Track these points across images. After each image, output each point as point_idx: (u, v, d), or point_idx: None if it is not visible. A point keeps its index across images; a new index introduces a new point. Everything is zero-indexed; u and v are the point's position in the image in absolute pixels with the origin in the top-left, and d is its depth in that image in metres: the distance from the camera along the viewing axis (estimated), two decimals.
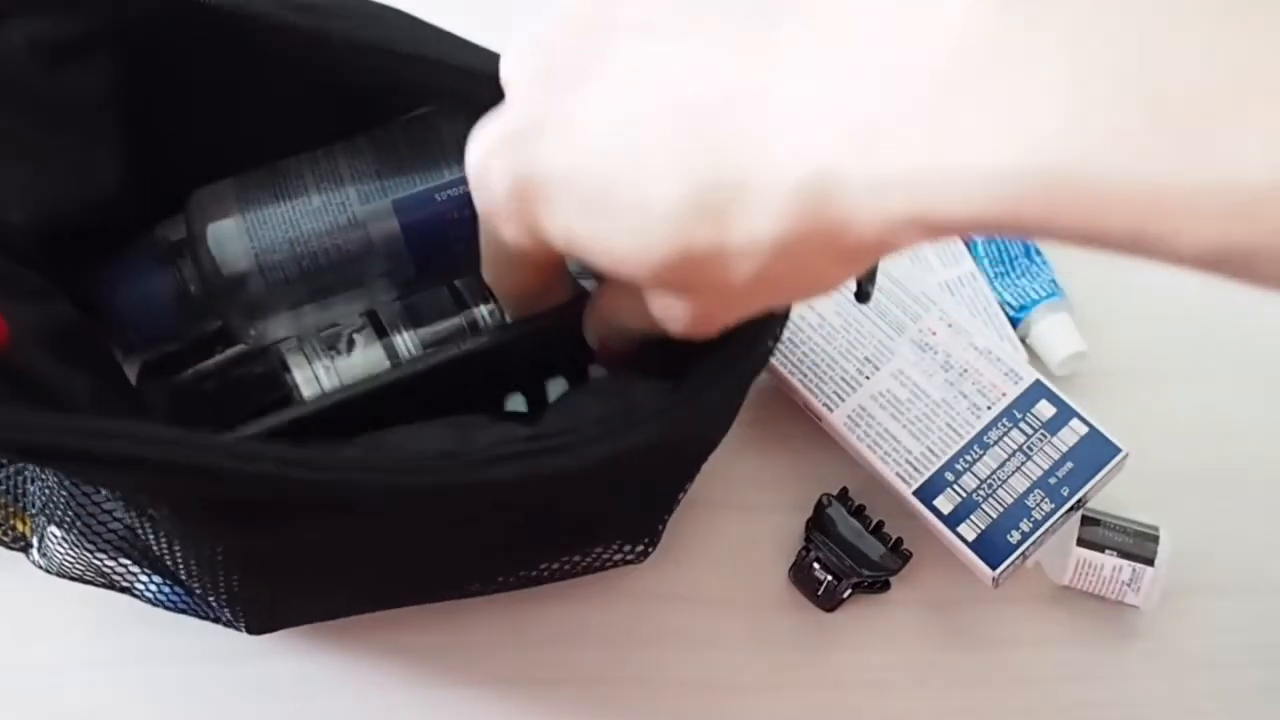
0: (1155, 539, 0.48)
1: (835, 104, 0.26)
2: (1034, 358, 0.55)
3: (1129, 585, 0.48)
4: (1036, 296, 0.55)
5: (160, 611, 0.47)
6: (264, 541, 0.37)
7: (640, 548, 0.48)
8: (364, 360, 0.43)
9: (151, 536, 0.38)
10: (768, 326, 0.36)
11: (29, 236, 0.41)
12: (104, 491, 0.38)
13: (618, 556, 0.48)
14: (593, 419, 0.34)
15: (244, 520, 0.35)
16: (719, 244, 0.28)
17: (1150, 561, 0.48)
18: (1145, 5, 0.23)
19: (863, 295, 0.43)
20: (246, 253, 0.41)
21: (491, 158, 0.30)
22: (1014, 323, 0.56)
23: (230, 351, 0.46)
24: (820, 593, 0.50)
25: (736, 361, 0.36)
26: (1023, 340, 0.55)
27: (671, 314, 0.31)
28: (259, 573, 0.40)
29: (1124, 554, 0.48)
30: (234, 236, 0.41)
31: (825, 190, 0.26)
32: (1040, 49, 0.23)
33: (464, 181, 0.41)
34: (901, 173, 0.25)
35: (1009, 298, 0.56)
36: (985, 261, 0.57)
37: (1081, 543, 0.48)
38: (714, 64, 0.27)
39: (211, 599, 0.42)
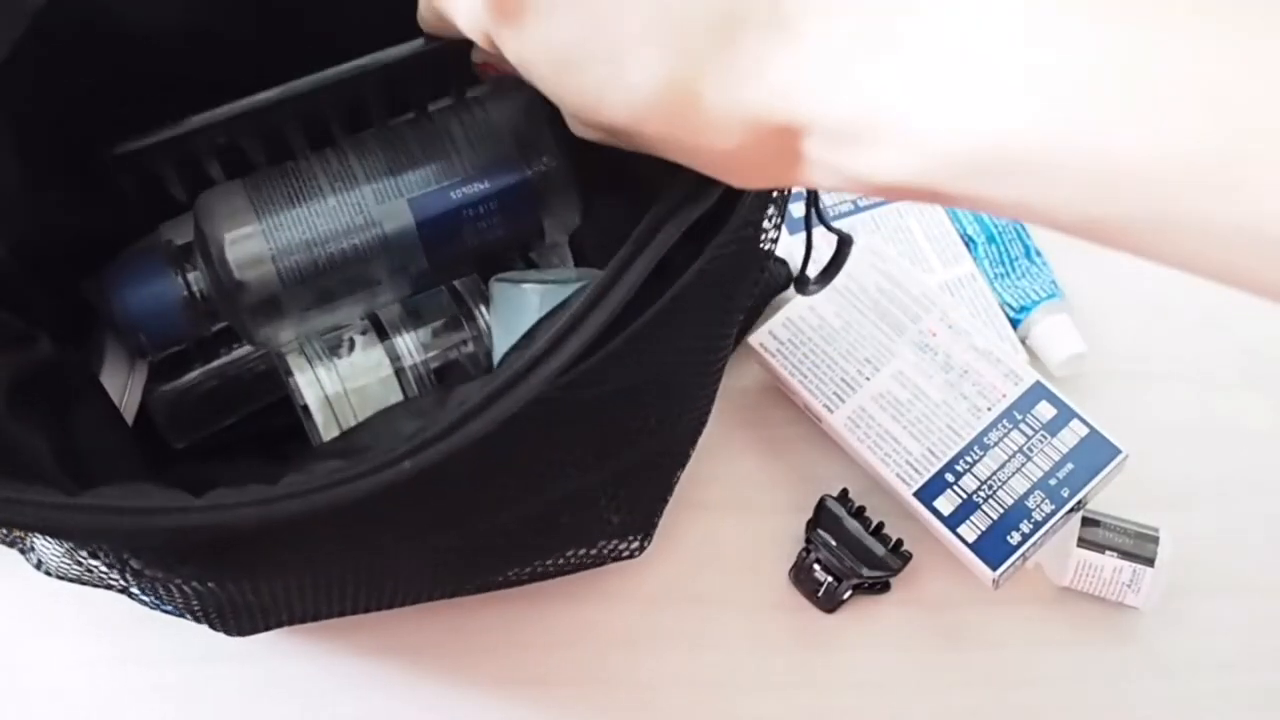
0: (1155, 540, 0.48)
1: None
2: (1034, 359, 0.55)
3: (1129, 586, 0.48)
4: (1036, 297, 0.55)
5: (159, 613, 0.47)
6: (242, 568, 0.37)
7: (637, 542, 0.48)
8: (365, 362, 0.43)
9: (120, 575, 0.38)
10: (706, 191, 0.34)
11: (8, 267, 0.41)
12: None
13: (618, 548, 0.48)
14: (545, 340, 0.33)
15: (225, 558, 0.35)
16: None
17: (1150, 562, 0.48)
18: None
19: (802, 284, 0.41)
20: (264, 255, 0.40)
21: None
22: (1014, 324, 0.56)
23: (233, 354, 0.46)
24: (820, 594, 0.50)
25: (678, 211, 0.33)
26: (1023, 341, 0.55)
27: None
28: (233, 592, 0.40)
29: (1124, 555, 0.48)
30: (251, 240, 0.41)
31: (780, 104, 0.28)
32: (983, 27, 0.25)
33: (478, 179, 0.41)
34: (862, 119, 0.27)
35: (1009, 299, 0.56)
36: (985, 262, 0.57)
37: (1082, 544, 0.48)
38: None
39: (187, 616, 0.42)
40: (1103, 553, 0.48)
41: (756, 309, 0.56)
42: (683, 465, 0.47)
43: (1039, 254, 0.57)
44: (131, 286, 0.43)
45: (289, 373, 0.42)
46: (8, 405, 0.35)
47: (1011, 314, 0.56)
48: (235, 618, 0.44)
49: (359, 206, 0.41)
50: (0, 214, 0.40)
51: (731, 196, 0.33)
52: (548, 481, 0.40)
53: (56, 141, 0.42)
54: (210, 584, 0.37)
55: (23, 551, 0.47)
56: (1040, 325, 0.55)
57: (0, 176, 0.40)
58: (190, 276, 0.43)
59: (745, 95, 0.28)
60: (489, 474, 0.36)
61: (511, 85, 0.40)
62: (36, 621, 0.49)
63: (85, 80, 0.41)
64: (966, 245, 0.57)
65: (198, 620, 0.45)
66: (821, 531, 0.50)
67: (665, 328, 0.34)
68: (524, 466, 0.37)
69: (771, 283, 0.56)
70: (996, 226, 0.58)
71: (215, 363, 0.46)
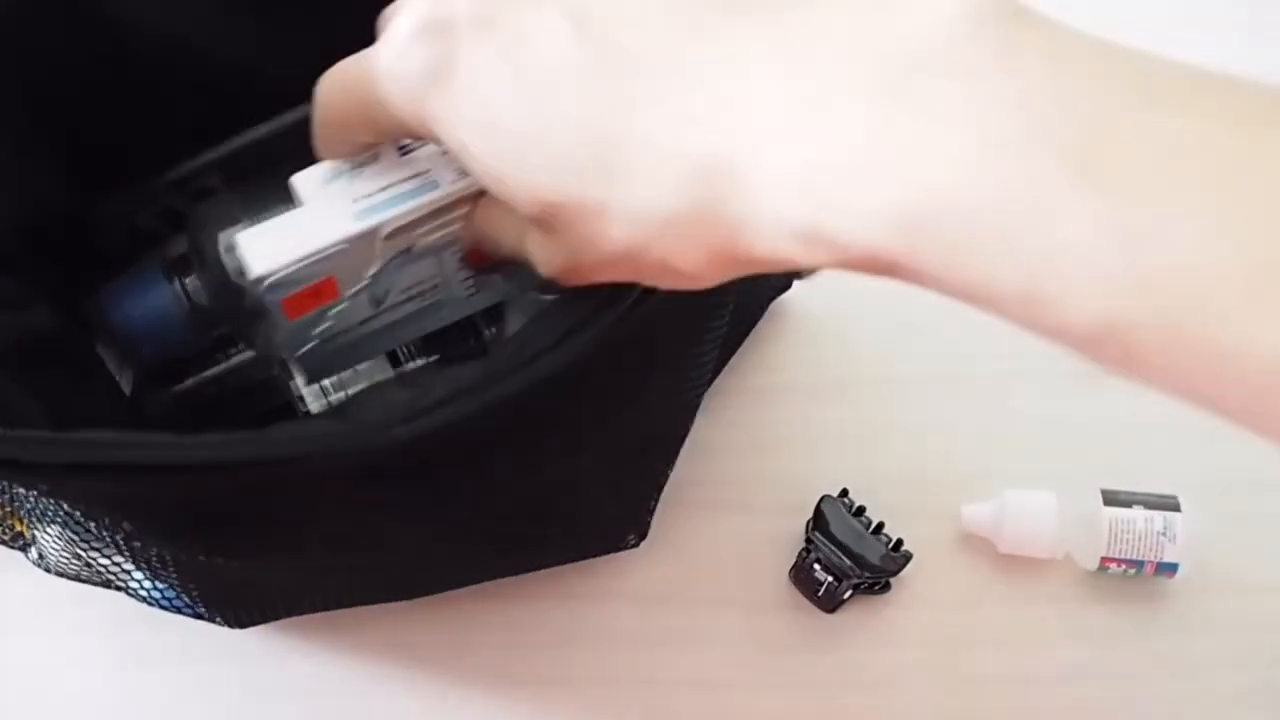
0: (1174, 499, 0.49)
1: (755, 97, 0.25)
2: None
3: (1164, 535, 0.48)
4: None
5: (159, 612, 0.47)
6: (236, 545, 0.37)
7: (630, 537, 0.48)
8: (367, 368, 0.43)
9: (120, 545, 0.38)
10: None
11: (7, 237, 0.40)
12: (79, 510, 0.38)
13: (614, 538, 0.48)
14: (542, 339, 0.33)
15: (220, 524, 0.35)
16: (605, 201, 0.27)
17: (1177, 508, 0.49)
18: (1085, 67, 0.23)
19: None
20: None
21: (427, 33, 0.29)
22: None
23: (232, 360, 0.46)
24: (821, 594, 0.49)
25: None
26: None
27: (543, 253, 0.31)
28: (231, 577, 0.39)
29: (1151, 506, 0.49)
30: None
31: (724, 180, 0.25)
32: (979, 87, 0.23)
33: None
34: (802, 179, 0.24)
35: None
36: None
37: (1108, 504, 0.49)
38: (656, 28, 0.27)
39: (184, 597, 0.42)
40: (1130, 507, 0.49)
41: (759, 309, 0.56)
42: (673, 456, 0.47)
43: None
44: (130, 300, 0.43)
45: (291, 378, 0.42)
46: (9, 365, 0.35)
47: None
48: (234, 606, 0.44)
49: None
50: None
51: None
52: (537, 462, 0.40)
53: (45, 118, 0.42)
54: (204, 557, 0.37)
55: (24, 549, 0.47)
56: None
57: None
58: (188, 285, 0.43)
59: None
60: (481, 448, 0.35)
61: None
62: (36, 622, 0.49)
63: (72, 59, 0.41)
64: None
65: (197, 612, 0.45)
66: (821, 531, 0.50)
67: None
68: (514, 444, 0.37)
69: (773, 284, 0.56)
70: None
71: (211, 370, 0.46)
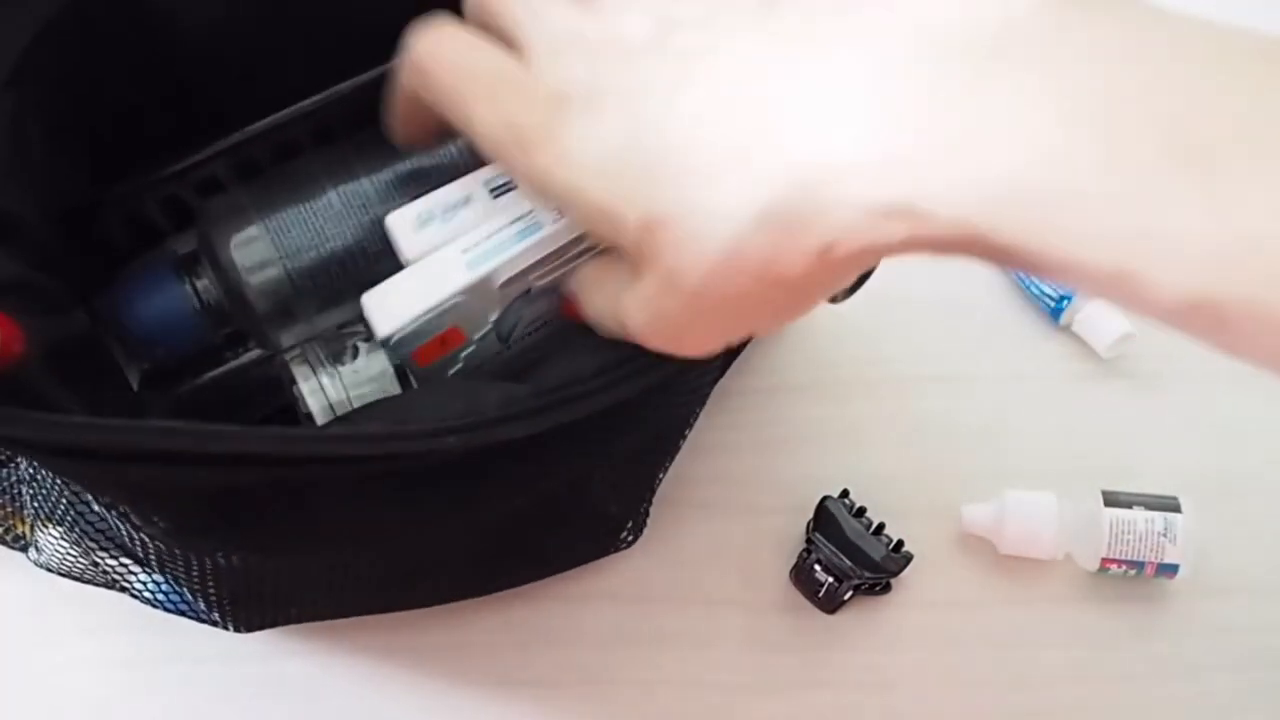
0: (1174, 499, 0.49)
1: (840, 88, 0.26)
2: (1081, 344, 0.55)
3: (1164, 536, 0.48)
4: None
5: (160, 613, 0.47)
6: (267, 542, 0.37)
7: (626, 535, 0.48)
8: (368, 368, 0.43)
9: (139, 545, 0.38)
10: None
11: (46, 234, 0.40)
12: (98, 503, 0.38)
13: (613, 538, 0.48)
14: (591, 371, 0.33)
15: (256, 520, 0.35)
16: (701, 203, 0.27)
17: (1178, 509, 0.49)
18: (1164, 45, 0.23)
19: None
20: (273, 259, 0.41)
21: (550, 102, 0.29)
22: (1055, 314, 0.55)
23: (235, 362, 0.46)
24: (821, 594, 0.49)
25: None
26: (1068, 328, 0.56)
27: (639, 306, 0.31)
28: (250, 580, 0.39)
29: (1151, 507, 0.49)
30: (258, 244, 0.41)
31: (814, 168, 0.26)
32: (1058, 66, 0.23)
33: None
34: (894, 157, 0.25)
35: (1047, 289, 0.56)
36: None
37: (1109, 505, 0.49)
38: (736, 30, 0.28)
39: (199, 600, 0.42)
40: (1131, 508, 0.49)
41: None
42: (673, 455, 0.48)
43: None
44: (141, 299, 0.43)
45: (293, 381, 0.42)
46: (47, 368, 0.35)
47: (1051, 304, 0.55)
48: (246, 606, 0.44)
49: (365, 207, 0.41)
50: (30, 182, 0.40)
51: None
52: (558, 468, 0.40)
53: (84, 118, 0.42)
54: (222, 555, 0.37)
55: (24, 549, 0.47)
56: (1084, 310, 0.55)
57: (28, 147, 0.40)
58: (198, 284, 0.43)
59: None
60: (516, 459, 0.36)
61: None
62: (37, 622, 0.49)
63: (118, 59, 0.41)
64: None
65: (199, 613, 0.45)
66: (822, 532, 0.50)
67: None
68: (545, 459, 0.38)
69: None
70: None
71: (219, 369, 0.46)
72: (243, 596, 0.42)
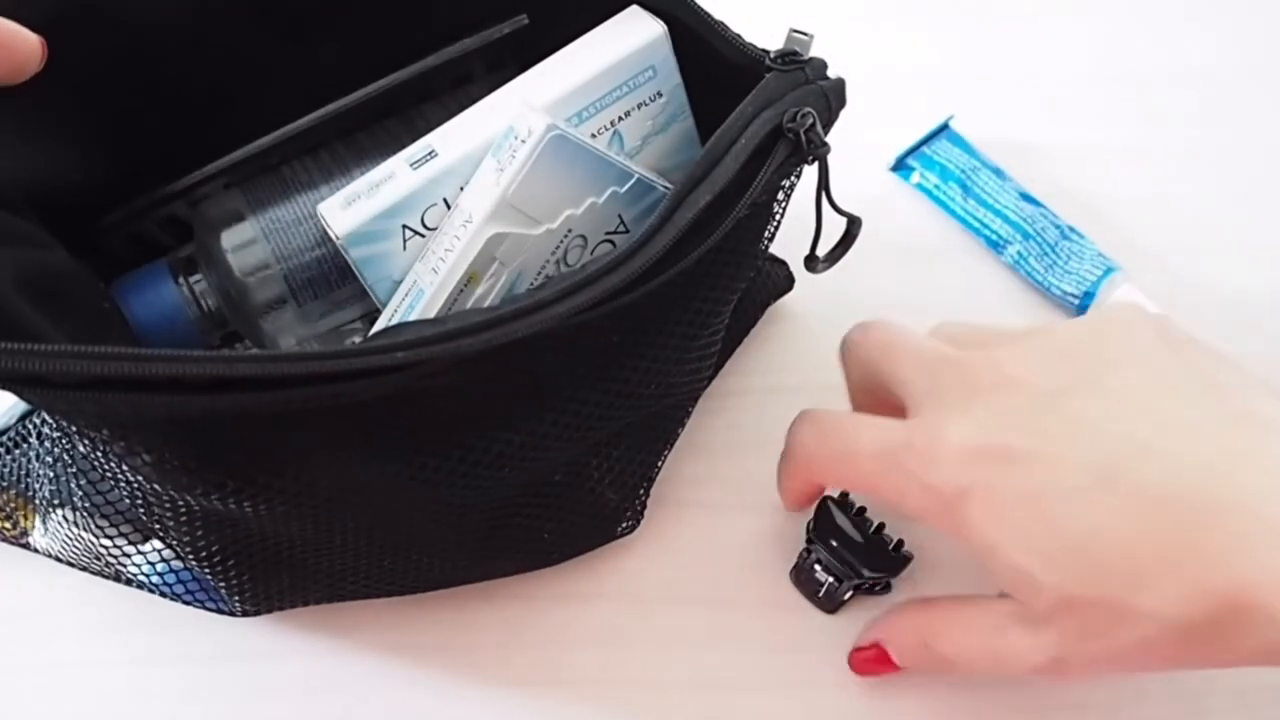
0: None
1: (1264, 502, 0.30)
2: None
3: None
4: (1094, 277, 0.55)
5: (161, 612, 0.47)
6: (253, 465, 0.36)
7: (625, 524, 0.49)
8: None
9: (149, 504, 0.37)
10: None
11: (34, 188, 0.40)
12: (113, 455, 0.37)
13: (613, 525, 0.48)
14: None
15: (232, 443, 0.34)
16: (1129, 603, 0.32)
17: None
18: None
19: (811, 262, 0.42)
20: (269, 261, 0.41)
21: (973, 461, 0.35)
22: (1081, 311, 0.55)
23: None
24: (821, 595, 0.49)
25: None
26: None
27: (1030, 647, 0.35)
28: (246, 517, 0.38)
29: None
30: (255, 247, 0.41)
31: (1245, 589, 0.29)
32: None
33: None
34: None
35: (1068, 287, 0.55)
36: (1029, 260, 0.56)
37: None
38: (1164, 442, 0.32)
39: (206, 571, 0.42)
40: None
41: (758, 310, 0.56)
42: (670, 445, 0.48)
43: (1073, 229, 0.57)
44: (138, 299, 0.43)
45: None
46: (15, 288, 0.34)
47: (1075, 303, 0.55)
48: (253, 577, 0.43)
49: None
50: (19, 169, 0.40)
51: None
52: (568, 431, 0.40)
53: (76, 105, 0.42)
54: (216, 497, 0.35)
55: (25, 546, 0.48)
56: (1110, 302, 0.55)
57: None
58: (196, 287, 0.43)
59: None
60: (501, 382, 0.36)
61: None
62: (37, 622, 0.49)
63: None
64: (997, 249, 0.57)
65: (199, 597, 0.44)
66: (822, 533, 0.50)
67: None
68: (533, 385, 0.38)
69: (773, 286, 0.56)
70: (1025, 220, 0.57)
71: None
72: (244, 565, 0.41)
